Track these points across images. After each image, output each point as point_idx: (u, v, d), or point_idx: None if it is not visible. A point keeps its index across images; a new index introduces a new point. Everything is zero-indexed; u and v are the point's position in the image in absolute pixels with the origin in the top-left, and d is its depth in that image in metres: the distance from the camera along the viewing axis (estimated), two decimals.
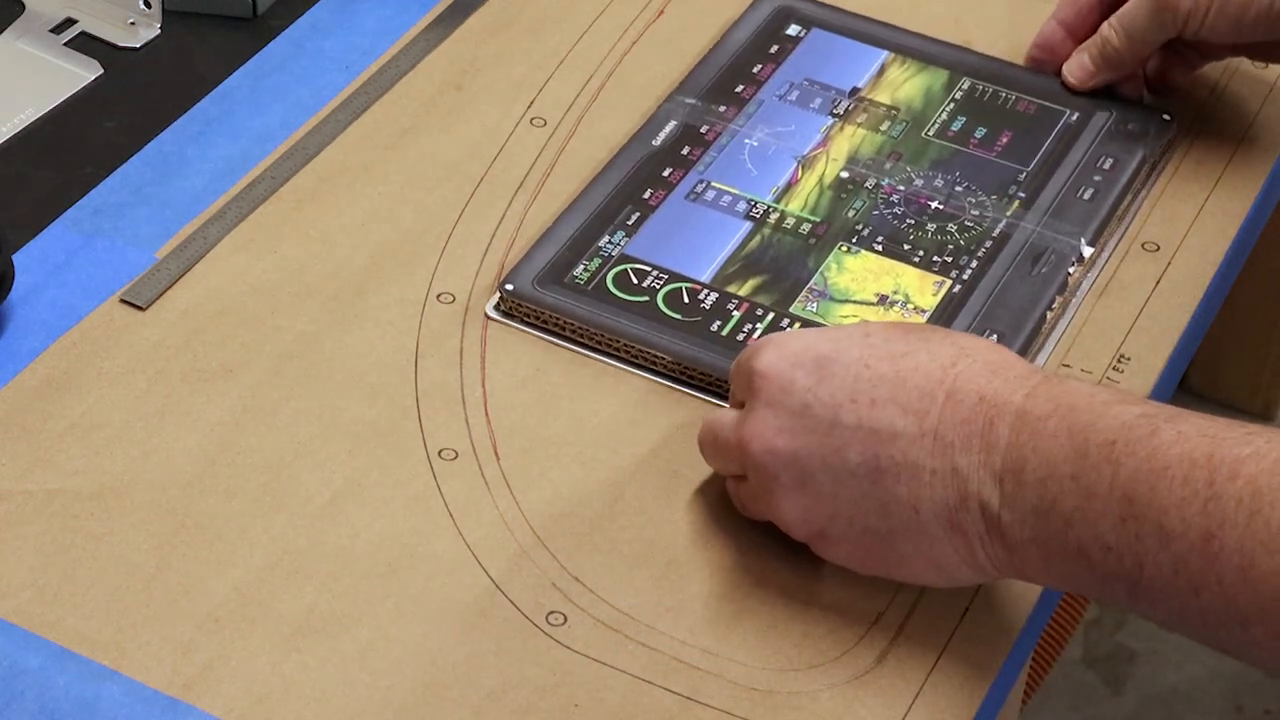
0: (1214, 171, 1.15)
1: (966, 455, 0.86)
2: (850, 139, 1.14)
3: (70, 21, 1.20)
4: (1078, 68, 1.16)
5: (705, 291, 1.04)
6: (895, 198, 1.10)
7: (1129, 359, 1.04)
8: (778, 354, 0.90)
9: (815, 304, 1.04)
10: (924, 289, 1.05)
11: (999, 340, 1.02)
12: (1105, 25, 1.14)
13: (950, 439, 0.86)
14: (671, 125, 1.14)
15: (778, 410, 0.89)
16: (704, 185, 1.10)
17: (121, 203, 1.09)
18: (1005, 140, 1.14)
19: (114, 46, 1.19)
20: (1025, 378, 0.87)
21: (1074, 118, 1.16)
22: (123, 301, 1.03)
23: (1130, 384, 1.02)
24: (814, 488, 0.89)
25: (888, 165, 1.12)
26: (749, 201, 1.10)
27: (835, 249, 1.07)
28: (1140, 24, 1.13)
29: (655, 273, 1.05)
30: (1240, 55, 1.18)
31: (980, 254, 1.08)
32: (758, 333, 1.02)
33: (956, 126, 1.15)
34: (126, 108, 1.15)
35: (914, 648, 0.90)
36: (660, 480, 0.97)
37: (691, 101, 1.15)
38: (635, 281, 1.05)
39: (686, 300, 1.04)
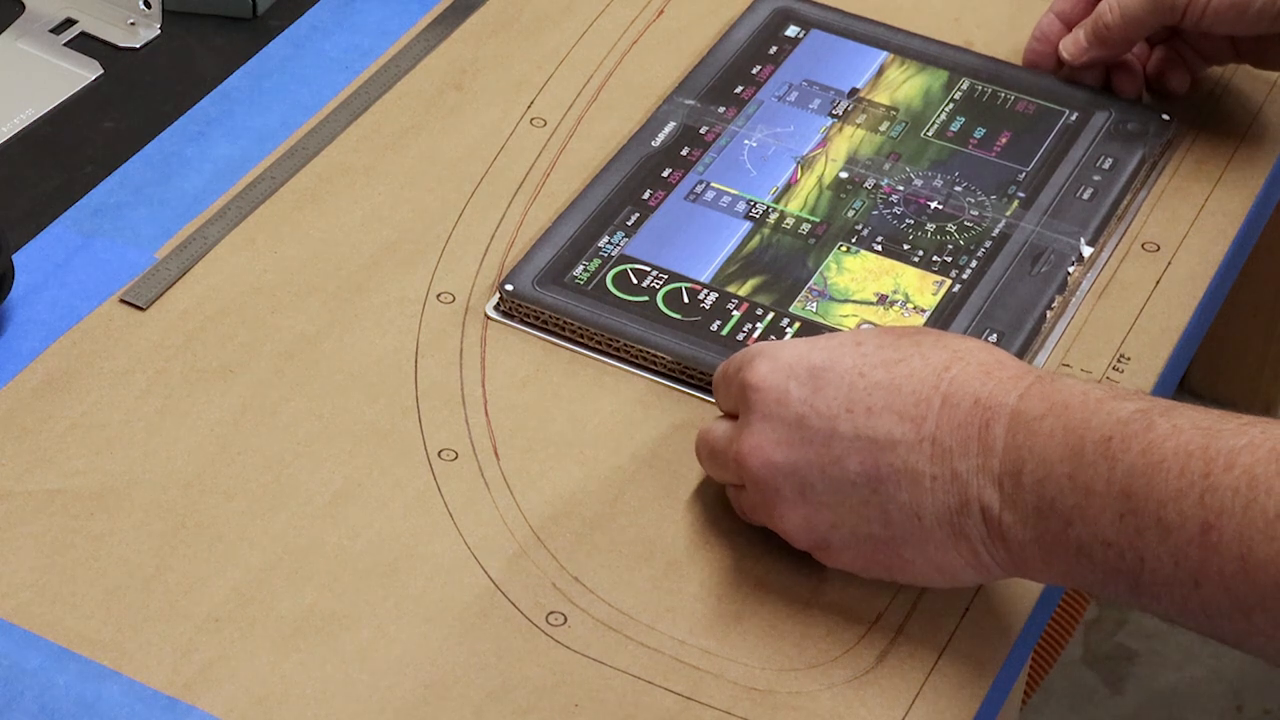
0: (1214, 171, 1.15)
1: (965, 459, 0.86)
2: (849, 139, 1.14)
3: (70, 21, 1.20)
4: (1071, 43, 1.16)
5: (705, 291, 1.04)
6: (895, 198, 1.11)
7: (1129, 359, 1.04)
8: (771, 366, 0.90)
9: (815, 304, 1.04)
10: (924, 289, 1.06)
11: (999, 340, 1.03)
12: (1103, 2, 1.14)
13: (948, 444, 0.86)
14: (671, 126, 1.14)
15: (774, 423, 0.89)
16: (703, 186, 1.11)
17: (121, 203, 1.09)
18: (1004, 140, 1.14)
19: (114, 46, 1.19)
20: (1019, 378, 0.87)
21: (1073, 118, 1.16)
22: (123, 301, 1.03)
23: (1130, 384, 1.02)
24: (815, 498, 0.89)
25: (887, 165, 1.12)
26: (748, 202, 1.10)
27: (835, 249, 1.07)
28: (1136, 3, 1.13)
29: (655, 273, 1.05)
30: (1242, 61, 1.17)
31: (980, 254, 1.08)
32: (757, 333, 1.02)
33: (956, 127, 1.15)
34: (126, 108, 1.15)
35: (914, 648, 0.90)
36: (660, 480, 0.97)
37: (691, 102, 1.15)
38: (635, 281, 1.05)
39: (686, 300, 1.04)
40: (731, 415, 0.93)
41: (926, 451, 0.86)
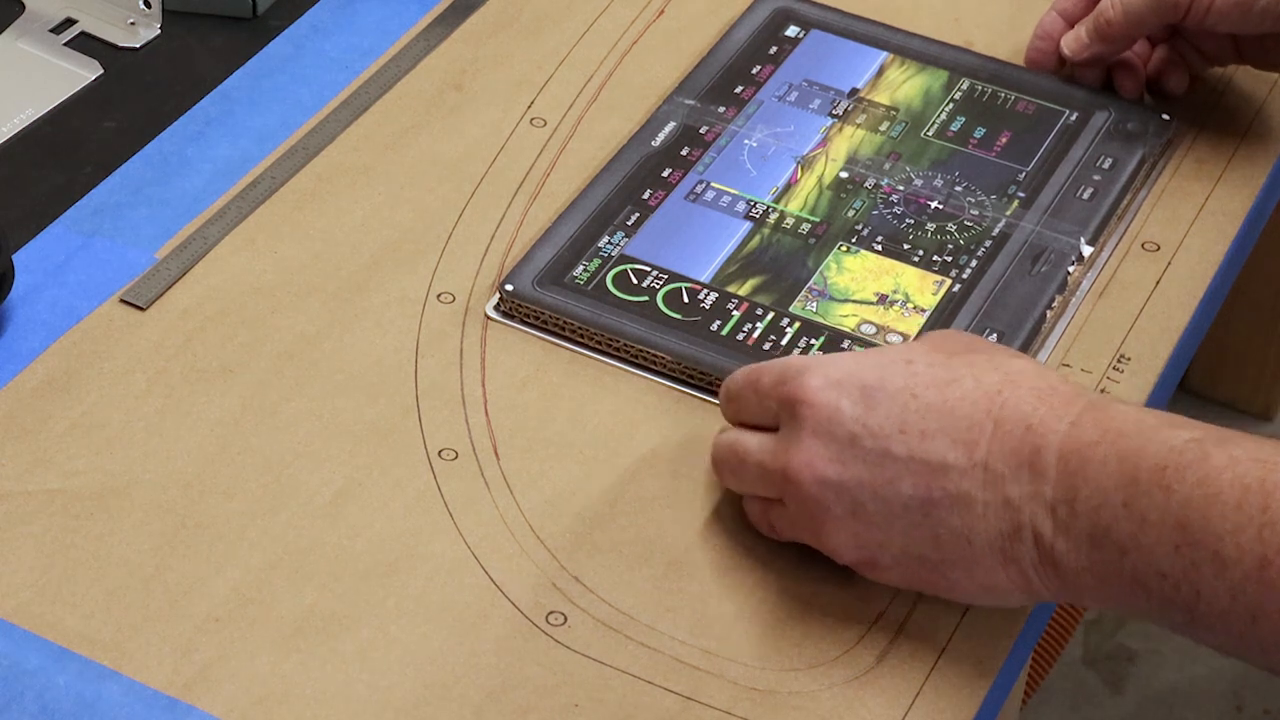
0: (1214, 171, 1.15)
1: (1017, 486, 0.85)
2: (849, 139, 1.14)
3: (70, 21, 1.20)
4: (1073, 39, 1.16)
5: (705, 291, 1.04)
6: (895, 198, 1.11)
7: (1129, 359, 1.04)
8: (821, 381, 0.88)
9: (815, 304, 1.04)
10: (924, 288, 1.06)
11: (999, 339, 1.03)
12: None
13: (1000, 470, 0.85)
14: (671, 126, 1.14)
15: (825, 440, 0.88)
16: (703, 186, 1.11)
17: (121, 203, 1.09)
18: (1004, 140, 1.14)
19: (114, 46, 1.19)
20: (1071, 402, 0.86)
21: (1073, 118, 1.16)
22: (123, 301, 1.03)
23: (1130, 384, 1.02)
24: (865, 517, 0.88)
25: (887, 165, 1.12)
26: (748, 202, 1.10)
27: (835, 249, 1.07)
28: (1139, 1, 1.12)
29: (655, 273, 1.05)
30: (1244, 61, 1.17)
31: (980, 253, 1.08)
32: (757, 333, 1.02)
33: (956, 126, 1.15)
34: (126, 108, 1.15)
35: (914, 647, 0.90)
36: (660, 480, 0.97)
37: (691, 102, 1.15)
38: (635, 281, 1.05)
39: (686, 300, 1.04)
40: (759, 427, 0.92)
41: (979, 477, 0.86)
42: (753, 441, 0.91)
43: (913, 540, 0.87)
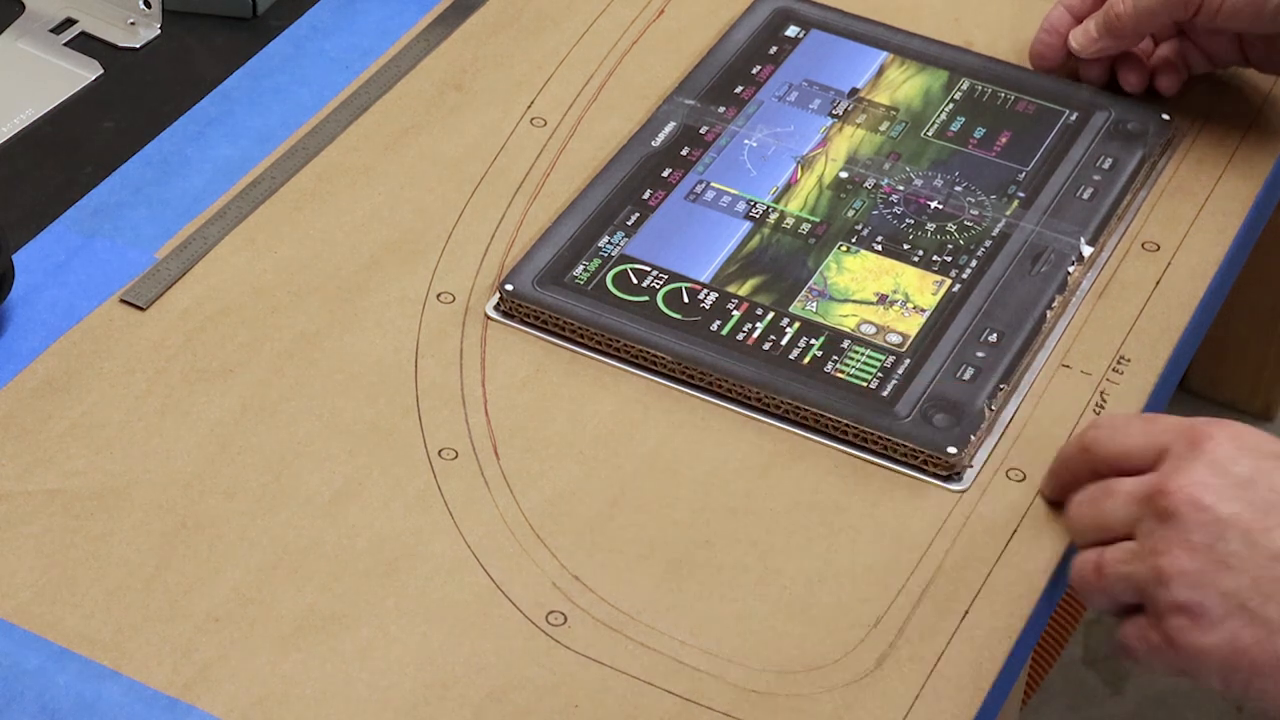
0: (1214, 171, 1.15)
1: None
2: (849, 139, 1.14)
3: (70, 21, 1.20)
4: (1081, 34, 1.16)
5: (705, 291, 1.04)
6: (895, 198, 1.11)
7: (1129, 359, 1.04)
8: (1234, 432, 0.89)
9: (815, 303, 1.04)
10: (924, 288, 1.06)
11: (999, 339, 1.03)
12: None
13: None
14: (671, 126, 1.14)
15: (1218, 473, 0.87)
16: (703, 186, 1.11)
17: (121, 203, 1.09)
18: (1004, 140, 1.14)
19: (114, 46, 1.19)
20: None
21: (1073, 118, 1.16)
22: (123, 301, 1.03)
23: (1130, 384, 1.02)
24: (1221, 555, 0.86)
25: (887, 165, 1.12)
26: (748, 202, 1.10)
27: (835, 249, 1.07)
28: None
29: (655, 273, 1.05)
30: (1248, 64, 1.17)
31: (980, 253, 1.08)
32: (757, 333, 1.02)
33: (956, 126, 1.15)
34: (126, 108, 1.15)
35: (914, 650, 0.90)
36: (660, 480, 0.97)
37: (691, 102, 1.15)
38: (635, 281, 1.05)
39: (686, 300, 1.04)
40: (1129, 470, 0.91)
41: None
42: (1125, 479, 0.91)
43: (1261, 592, 0.85)
